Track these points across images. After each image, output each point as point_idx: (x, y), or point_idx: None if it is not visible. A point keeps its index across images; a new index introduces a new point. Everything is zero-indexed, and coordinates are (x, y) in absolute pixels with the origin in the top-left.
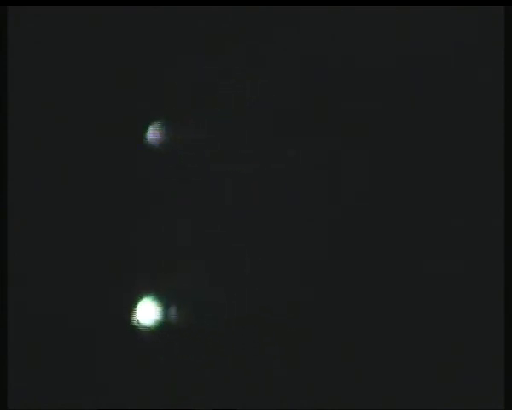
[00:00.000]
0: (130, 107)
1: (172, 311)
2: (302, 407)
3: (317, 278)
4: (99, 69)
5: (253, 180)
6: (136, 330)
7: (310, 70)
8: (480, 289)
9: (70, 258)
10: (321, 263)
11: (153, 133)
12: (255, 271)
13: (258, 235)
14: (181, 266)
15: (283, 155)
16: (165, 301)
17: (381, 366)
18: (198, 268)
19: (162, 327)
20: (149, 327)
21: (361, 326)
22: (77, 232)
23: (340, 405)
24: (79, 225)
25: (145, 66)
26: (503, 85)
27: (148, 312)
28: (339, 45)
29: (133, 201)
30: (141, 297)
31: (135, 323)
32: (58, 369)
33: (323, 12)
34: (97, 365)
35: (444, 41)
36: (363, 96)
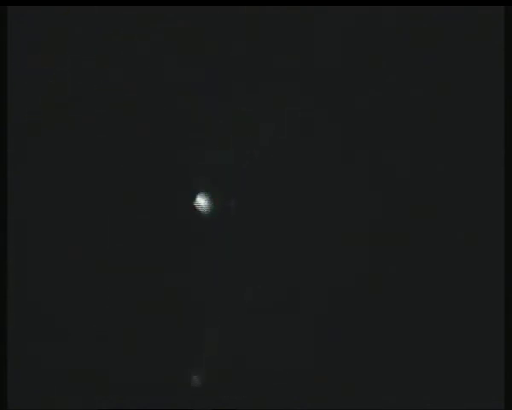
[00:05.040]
0: (131, 106)
1: None
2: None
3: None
4: (99, 69)
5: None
6: None
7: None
8: (480, 289)
9: None
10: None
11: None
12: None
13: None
14: None
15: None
16: None
17: (382, 365)
18: None
19: None
20: None
21: (361, 326)
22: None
23: (340, 404)
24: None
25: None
26: (503, 85)
27: None
28: (338, 44)
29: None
30: None
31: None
32: (58, 369)
33: (322, 11)
34: (96, 365)
35: (444, 41)
36: (363, 96)
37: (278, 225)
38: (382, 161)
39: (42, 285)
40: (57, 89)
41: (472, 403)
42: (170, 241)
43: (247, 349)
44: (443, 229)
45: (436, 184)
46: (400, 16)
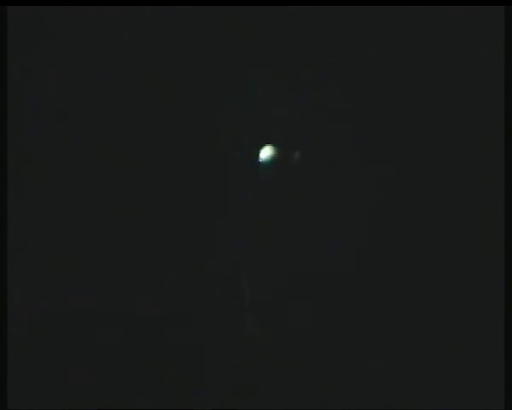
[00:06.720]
0: (133, 105)
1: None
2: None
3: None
4: (101, 68)
5: None
6: None
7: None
8: (480, 289)
9: None
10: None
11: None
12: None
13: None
14: None
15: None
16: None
17: (383, 365)
18: None
19: None
20: None
21: (362, 326)
22: None
23: (341, 405)
24: None
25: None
26: (503, 85)
27: None
28: (338, 45)
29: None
30: None
31: None
32: (58, 369)
33: (323, 11)
34: (96, 364)
35: (444, 41)
36: (364, 96)
37: None
38: (380, 162)
39: (42, 284)
40: (57, 89)
41: (472, 403)
42: None
43: None
44: (444, 231)
45: (436, 184)
46: (400, 16)
